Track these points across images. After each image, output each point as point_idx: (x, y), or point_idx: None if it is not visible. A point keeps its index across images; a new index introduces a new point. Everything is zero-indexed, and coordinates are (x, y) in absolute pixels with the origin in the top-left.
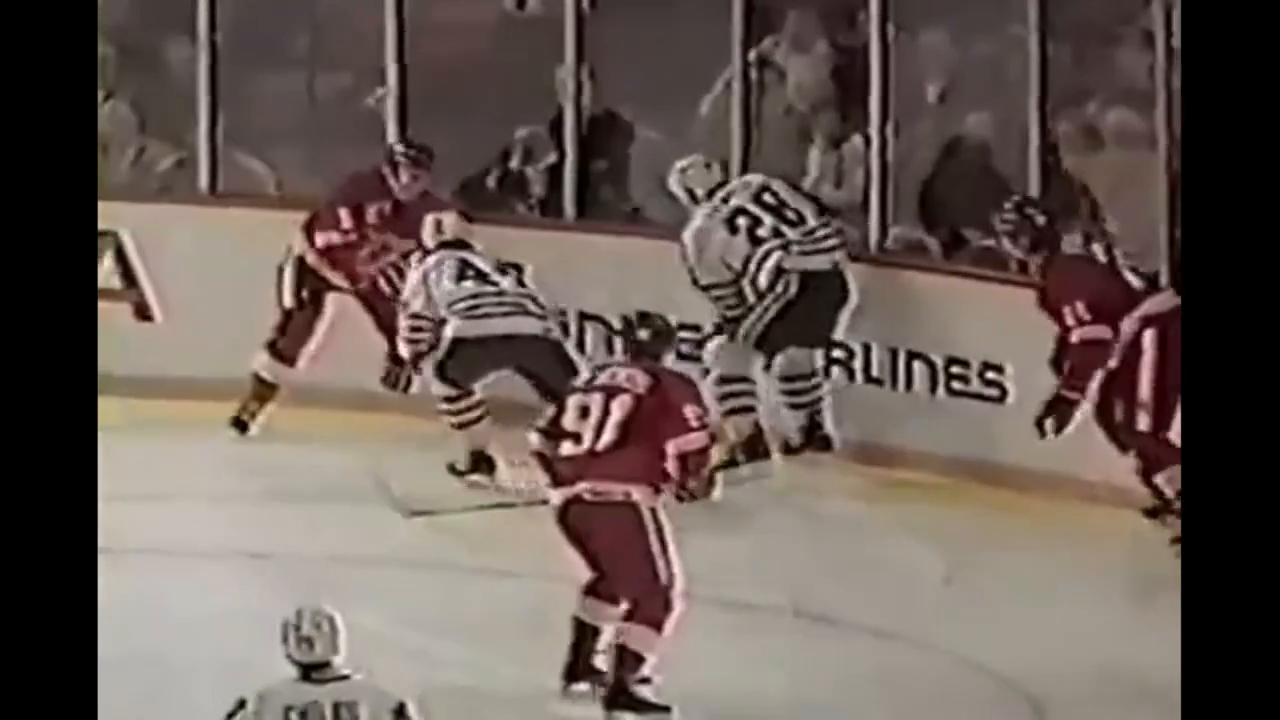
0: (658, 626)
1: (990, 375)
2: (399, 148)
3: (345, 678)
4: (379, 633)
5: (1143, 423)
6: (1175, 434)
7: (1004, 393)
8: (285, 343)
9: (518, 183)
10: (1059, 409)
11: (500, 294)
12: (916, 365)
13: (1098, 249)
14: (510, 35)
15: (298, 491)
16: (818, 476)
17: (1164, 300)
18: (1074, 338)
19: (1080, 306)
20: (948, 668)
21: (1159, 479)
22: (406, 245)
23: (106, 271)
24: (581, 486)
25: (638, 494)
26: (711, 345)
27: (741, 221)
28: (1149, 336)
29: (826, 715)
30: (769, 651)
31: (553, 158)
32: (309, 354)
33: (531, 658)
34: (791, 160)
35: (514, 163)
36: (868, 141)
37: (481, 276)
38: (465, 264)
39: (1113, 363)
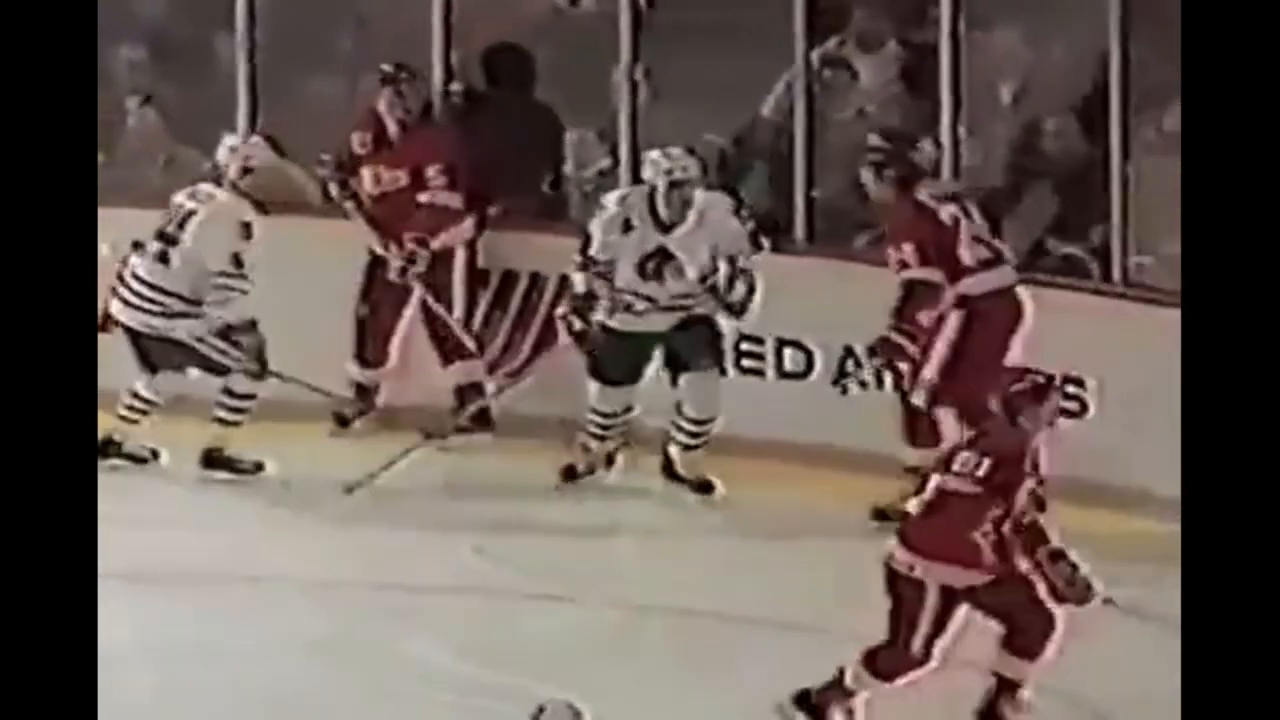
0: (1032, 657)
1: (1070, 389)
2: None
3: None
4: (435, 662)
5: (918, 398)
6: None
7: (1084, 407)
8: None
9: (572, 189)
10: (881, 349)
11: (137, 281)
12: None
13: (953, 209)
14: (562, 33)
15: (353, 515)
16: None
17: (980, 281)
18: (900, 277)
19: (908, 249)
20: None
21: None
22: (395, 178)
23: None
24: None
25: (922, 570)
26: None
27: None
28: (954, 317)
29: None
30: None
31: (605, 163)
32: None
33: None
34: (857, 165)
35: (567, 168)
36: (938, 145)
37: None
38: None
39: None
